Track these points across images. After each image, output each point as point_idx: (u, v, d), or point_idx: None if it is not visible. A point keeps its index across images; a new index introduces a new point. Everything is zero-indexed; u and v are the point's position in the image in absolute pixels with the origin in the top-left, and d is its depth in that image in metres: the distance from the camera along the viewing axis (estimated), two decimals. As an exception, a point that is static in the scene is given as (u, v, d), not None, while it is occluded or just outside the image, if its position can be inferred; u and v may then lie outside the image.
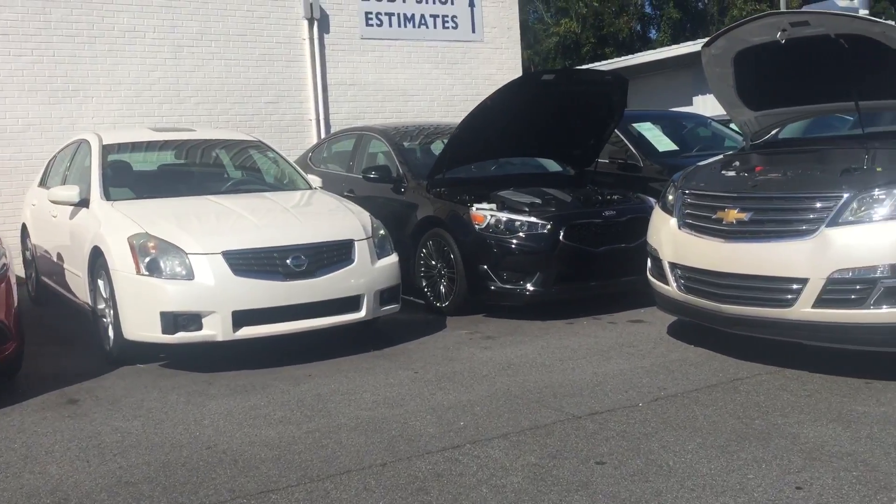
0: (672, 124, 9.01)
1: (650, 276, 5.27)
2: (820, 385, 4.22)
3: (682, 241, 4.84)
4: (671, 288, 4.96)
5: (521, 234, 6.03)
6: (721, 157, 5.58)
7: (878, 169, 4.45)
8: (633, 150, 8.12)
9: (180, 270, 4.93)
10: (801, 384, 4.26)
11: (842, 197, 4.18)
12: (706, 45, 5.04)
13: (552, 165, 7.71)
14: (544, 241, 5.99)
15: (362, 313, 5.33)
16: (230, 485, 3.34)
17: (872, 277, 4.02)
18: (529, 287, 6.01)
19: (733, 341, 4.81)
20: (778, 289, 4.30)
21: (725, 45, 4.99)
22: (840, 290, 4.11)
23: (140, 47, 9.69)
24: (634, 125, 8.49)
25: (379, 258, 5.49)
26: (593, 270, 6.11)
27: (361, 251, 5.37)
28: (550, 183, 6.93)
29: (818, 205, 4.25)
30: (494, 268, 6.06)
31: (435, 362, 5.07)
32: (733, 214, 4.53)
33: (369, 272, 5.36)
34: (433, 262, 6.54)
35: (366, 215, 5.75)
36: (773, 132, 5.85)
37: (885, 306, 4.01)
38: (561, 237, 5.99)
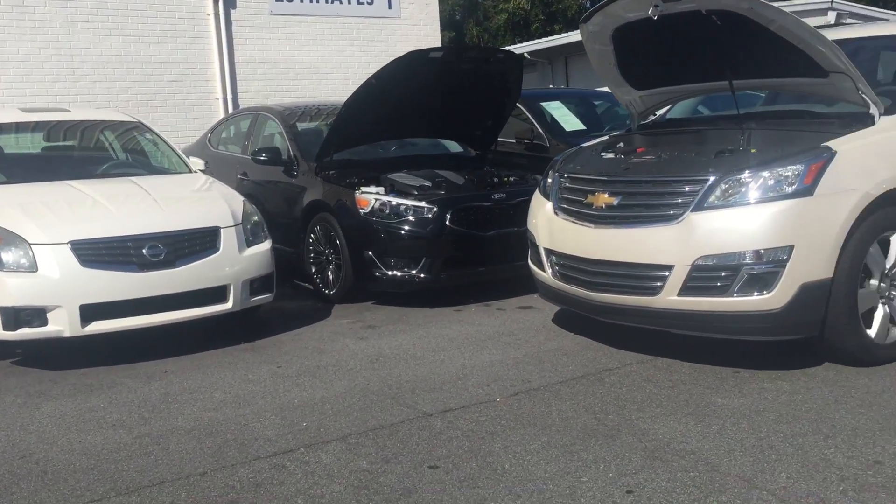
0: (584, 103, 8.84)
1: (530, 263, 5.07)
2: (687, 375, 4.08)
3: (557, 226, 4.65)
4: (547, 275, 4.77)
5: (406, 218, 5.79)
6: (606, 137, 5.39)
7: (753, 151, 4.30)
8: (540, 130, 7.93)
9: (23, 262, 4.58)
10: (669, 374, 4.12)
11: (708, 180, 4.01)
12: (583, 21, 4.82)
13: (455, 146, 7.49)
14: (430, 225, 5.76)
15: (229, 304, 5.04)
16: (28, 500, 3.05)
17: (736, 264, 3.87)
18: (416, 274, 5.78)
19: (615, 329, 4.62)
20: (645, 276, 4.13)
21: (602, 21, 4.77)
22: (704, 277, 3.95)
23: (30, 22, 9.17)
24: (542, 104, 8.30)
25: (250, 246, 5.19)
26: (483, 255, 5.90)
27: (228, 239, 5.06)
28: (449, 165, 6.69)
29: (685, 188, 4.08)
30: (380, 254, 5.81)
31: (302, 356, 4.81)
32: (603, 199, 4.34)
33: (237, 261, 5.07)
34: (321, 248, 6.28)
35: (238, 200, 5.44)
36: (663, 111, 5.70)
37: (748, 293, 3.87)
38: (448, 221, 5.76)
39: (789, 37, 4.13)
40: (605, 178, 4.45)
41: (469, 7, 41.85)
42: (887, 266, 4.06)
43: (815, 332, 3.93)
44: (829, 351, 4.07)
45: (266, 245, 5.32)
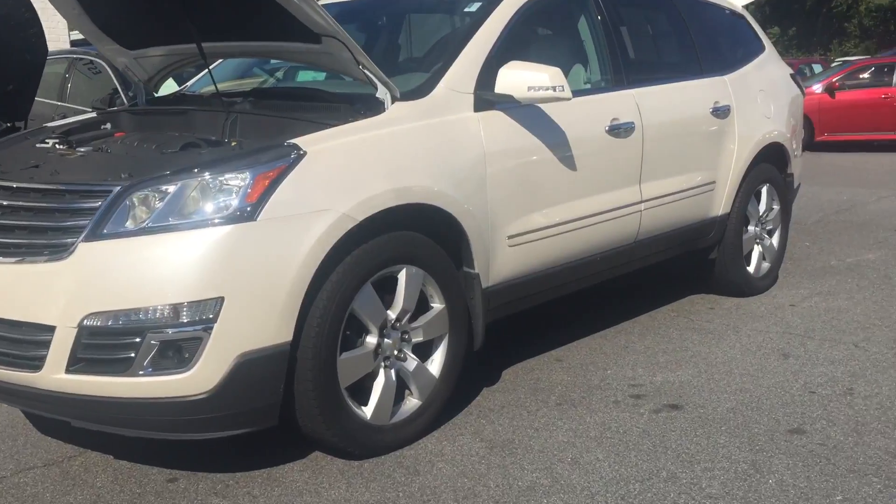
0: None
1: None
2: (95, 494, 2.66)
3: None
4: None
5: None
6: (90, 115, 3.85)
7: (234, 143, 2.96)
8: (123, 95, 6.28)
9: None
10: (69, 489, 2.68)
11: (111, 192, 2.58)
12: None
13: (-12, 116, 5.58)
14: None
15: None
16: None
17: (140, 326, 2.48)
18: None
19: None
20: (23, 340, 2.62)
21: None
22: (99, 345, 2.51)
23: None
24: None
25: None
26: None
27: None
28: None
29: (81, 204, 2.62)
30: None
31: None
32: (-22, 215, 2.78)
33: None
34: None
35: None
36: (199, 79, 4.25)
37: (161, 371, 2.50)
38: None
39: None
40: (-8, 183, 2.88)
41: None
42: (392, 316, 2.89)
43: (274, 422, 2.66)
44: (318, 444, 2.85)
45: None
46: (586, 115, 3.58)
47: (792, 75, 5.22)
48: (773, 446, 2.91)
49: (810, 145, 12.89)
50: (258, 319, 2.51)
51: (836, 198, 8.37)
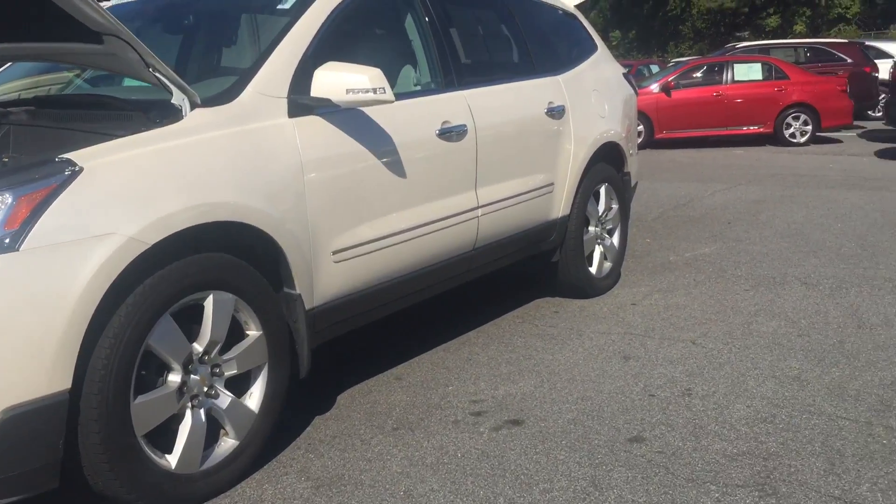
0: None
1: None
2: None
3: None
4: None
5: None
6: None
7: (6, 159, 2.55)
8: None
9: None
10: None
11: None
12: None
13: None
14: None
15: None
16: None
17: None
18: None
19: None
20: None
21: None
22: None
23: None
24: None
25: None
26: None
27: None
28: None
29: None
30: None
31: None
32: None
33: None
34: None
35: None
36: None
37: None
38: None
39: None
40: None
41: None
42: (199, 349, 2.57)
43: (54, 484, 2.28)
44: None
45: None
46: (415, 118, 3.38)
47: (625, 75, 5.26)
48: (612, 458, 2.81)
49: (650, 143, 13.41)
50: (26, 367, 2.14)
51: (674, 193, 8.67)
